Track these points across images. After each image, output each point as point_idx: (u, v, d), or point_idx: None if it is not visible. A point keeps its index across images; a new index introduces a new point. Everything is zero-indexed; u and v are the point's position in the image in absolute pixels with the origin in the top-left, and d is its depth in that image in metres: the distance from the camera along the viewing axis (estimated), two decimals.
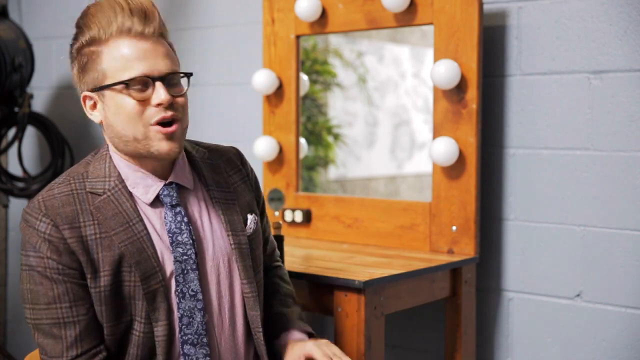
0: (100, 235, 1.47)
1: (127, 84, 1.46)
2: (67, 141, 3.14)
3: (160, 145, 1.49)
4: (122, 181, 1.52)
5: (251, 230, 1.64)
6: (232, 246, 1.59)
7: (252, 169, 1.76)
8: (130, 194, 1.52)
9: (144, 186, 1.53)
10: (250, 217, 1.65)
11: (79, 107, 1.56)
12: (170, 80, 1.50)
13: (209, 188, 1.61)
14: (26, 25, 3.31)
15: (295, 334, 1.69)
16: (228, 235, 1.60)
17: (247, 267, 1.61)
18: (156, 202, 1.54)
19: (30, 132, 3.30)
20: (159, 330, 1.49)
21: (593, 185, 2.16)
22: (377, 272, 1.96)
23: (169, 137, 1.49)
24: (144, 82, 1.47)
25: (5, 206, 3.42)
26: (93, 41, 1.48)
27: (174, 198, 1.54)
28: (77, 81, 1.54)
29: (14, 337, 3.54)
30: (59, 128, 3.14)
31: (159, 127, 1.48)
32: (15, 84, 3.00)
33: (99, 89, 1.49)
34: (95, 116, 1.53)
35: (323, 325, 2.61)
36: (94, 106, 1.53)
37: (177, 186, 1.56)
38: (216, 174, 1.64)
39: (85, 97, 1.53)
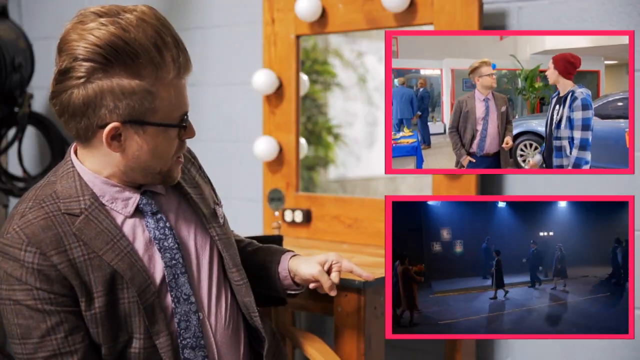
0: (89, 256, 1.42)
1: (184, 126, 1.47)
2: (67, 141, 3.14)
3: (178, 171, 1.54)
4: (96, 198, 1.47)
5: (222, 221, 1.64)
6: (216, 237, 1.59)
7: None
8: (106, 210, 1.48)
9: (122, 200, 1.50)
10: (218, 208, 1.65)
11: None
12: None
13: (181, 186, 1.60)
14: (26, 25, 3.30)
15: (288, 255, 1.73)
16: (210, 228, 1.59)
17: (232, 255, 1.61)
18: (135, 213, 1.51)
19: (30, 132, 3.30)
20: (162, 342, 1.47)
21: (593, 185, 2.16)
22: (377, 272, 1.96)
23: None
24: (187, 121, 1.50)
25: (5, 206, 3.42)
26: (145, 76, 1.40)
27: (153, 206, 1.52)
28: (96, 102, 1.40)
29: None
30: (59, 128, 3.14)
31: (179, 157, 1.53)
32: (15, 84, 3.00)
33: (143, 123, 1.42)
34: (114, 146, 1.43)
35: (323, 325, 2.61)
36: (117, 137, 1.43)
37: (152, 193, 1.55)
38: (180, 172, 1.61)
39: (113, 127, 1.41)
